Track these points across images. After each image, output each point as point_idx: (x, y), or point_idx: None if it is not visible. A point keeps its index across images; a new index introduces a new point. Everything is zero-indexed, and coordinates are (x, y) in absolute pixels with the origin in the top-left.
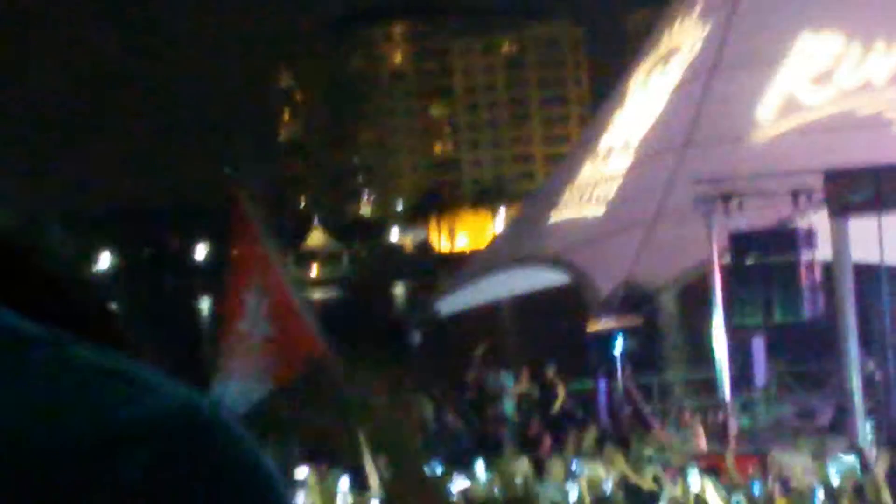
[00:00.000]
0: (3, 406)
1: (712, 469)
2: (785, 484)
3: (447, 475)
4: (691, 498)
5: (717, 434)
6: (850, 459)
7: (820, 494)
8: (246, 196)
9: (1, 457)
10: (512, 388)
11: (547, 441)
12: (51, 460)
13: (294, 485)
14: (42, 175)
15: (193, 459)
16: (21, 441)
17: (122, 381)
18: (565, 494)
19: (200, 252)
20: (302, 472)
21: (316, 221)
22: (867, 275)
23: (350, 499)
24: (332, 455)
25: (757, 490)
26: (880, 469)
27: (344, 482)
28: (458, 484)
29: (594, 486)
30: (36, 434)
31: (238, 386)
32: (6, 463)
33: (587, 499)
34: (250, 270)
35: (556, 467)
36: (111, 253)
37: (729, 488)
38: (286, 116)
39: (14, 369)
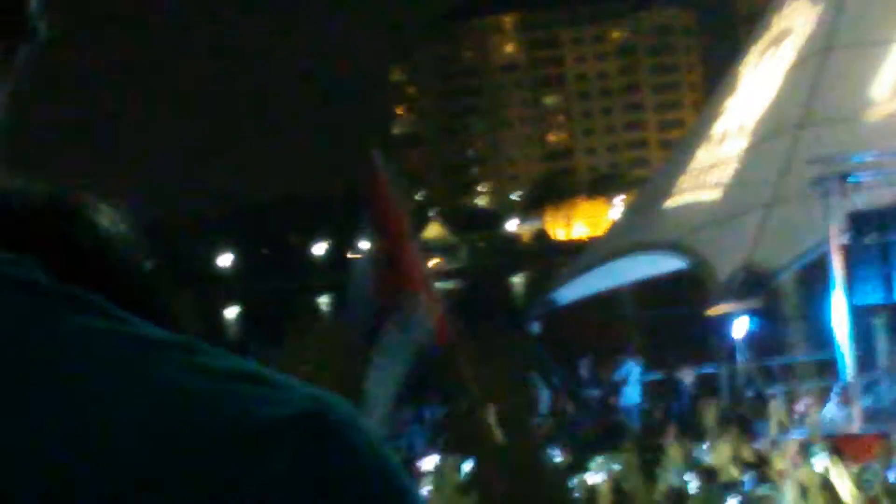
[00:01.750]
0: (146, 409)
1: (836, 450)
2: None
3: (569, 463)
4: (816, 479)
5: (841, 415)
6: None
7: None
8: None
9: (152, 457)
10: (636, 376)
11: (670, 427)
12: (209, 454)
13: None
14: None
15: (329, 457)
16: (168, 440)
17: (257, 382)
18: (684, 481)
19: (318, 248)
20: (430, 460)
21: (433, 214)
22: None
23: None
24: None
25: (879, 469)
26: None
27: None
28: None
29: (718, 470)
30: (182, 435)
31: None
32: (157, 462)
33: (706, 484)
34: (388, 231)
35: (676, 453)
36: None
37: (853, 469)
38: (400, 110)
39: (152, 373)
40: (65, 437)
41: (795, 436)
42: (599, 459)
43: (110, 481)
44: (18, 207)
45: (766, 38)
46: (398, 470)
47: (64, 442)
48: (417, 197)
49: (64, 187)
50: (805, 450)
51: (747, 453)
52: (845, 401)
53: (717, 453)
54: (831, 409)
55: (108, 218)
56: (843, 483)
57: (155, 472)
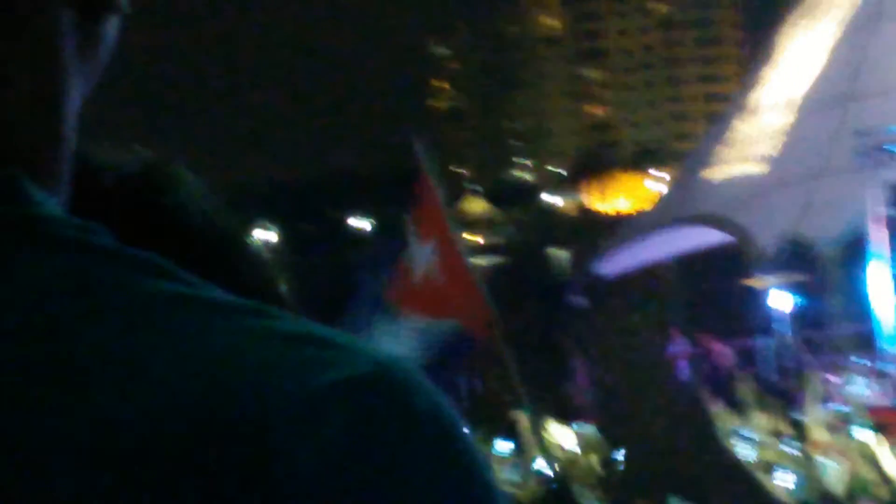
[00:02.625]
0: (215, 372)
1: (880, 423)
2: None
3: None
4: (857, 451)
5: (884, 388)
6: None
7: None
8: (426, 160)
9: (214, 416)
10: (683, 350)
11: (714, 398)
12: (261, 421)
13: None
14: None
15: (390, 418)
16: (232, 402)
17: (322, 346)
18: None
19: (360, 224)
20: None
21: (475, 188)
22: None
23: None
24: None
25: None
26: None
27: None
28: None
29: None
30: (246, 396)
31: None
32: (219, 420)
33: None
34: (430, 228)
35: (720, 422)
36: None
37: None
38: (441, 83)
39: (213, 339)
40: (119, 404)
41: (835, 408)
42: None
43: (160, 446)
44: (110, 179)
45: (810, 10)
46: (461, 436)
47: (117, 408)
48: (457, 170)
49: (157, 157)
50: (846, 422)
51: (787, 426)
52: (888, 374)
53: (757, 425)
54: (871, 382)
55: (195, 188)
56: (886, 455)
57: (202, 444)
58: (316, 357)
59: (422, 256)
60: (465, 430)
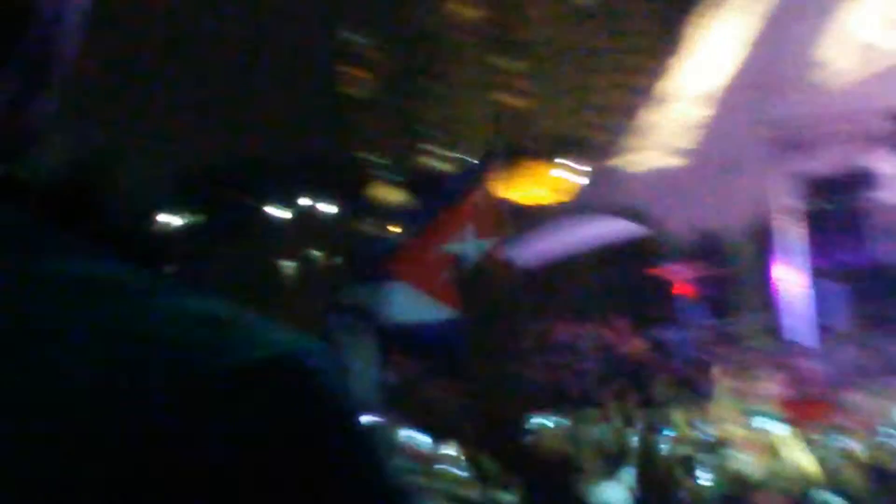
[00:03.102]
0: (127, 350)
1: (788, 414)
2: (865, 428)
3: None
4: (765, 442)
5: (795, 380)
6: None
7: None
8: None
9: (103, 406)
10: (588, 339)
11: (622, 391)
12: (166, 403)
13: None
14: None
15: (297, 405)
16: (143, 379)
17: (229, 327)
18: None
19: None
20: None
21: (387, 175)
22: None
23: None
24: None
25: (836, 435)
26: None
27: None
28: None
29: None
30: (157, 375)
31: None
32: (129, 396)
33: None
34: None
35: (620, 417)
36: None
37: (804, 434)
38: (356, 72)
39: (137, 317)
40: (15, 388)
41: (744, 399)
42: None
43: (63, 427)
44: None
45: (726, 2)
46: (366, 426)
47: (14, 390)
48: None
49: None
50: (754, 415)
51: (697, 416)
52: (798, 365)
53: (670, 418)
54: (781, 374)
55: (128, 171)
56: (796, 448)
57: (109, 422)
58: (226, 337)
59: (474, 251)
60: (369, 415)
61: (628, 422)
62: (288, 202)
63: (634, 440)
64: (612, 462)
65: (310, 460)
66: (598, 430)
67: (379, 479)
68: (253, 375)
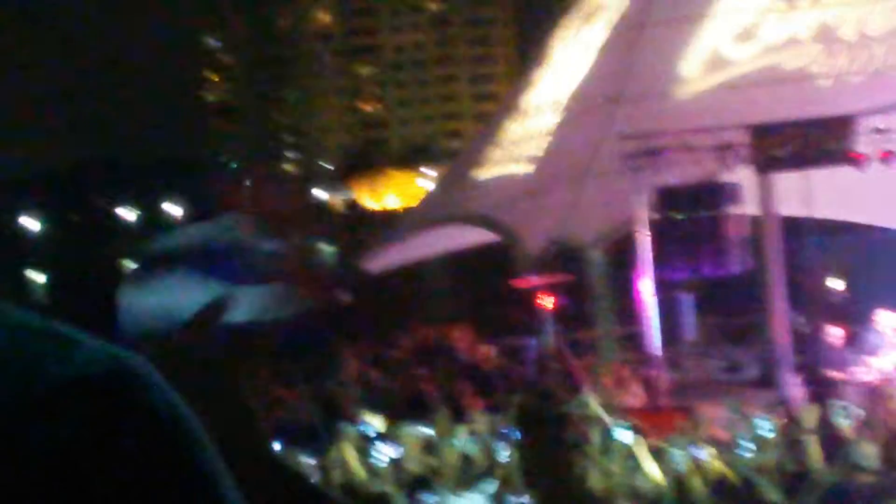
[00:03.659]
0: None
1: (641, 424)
2: (712, 438)
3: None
4: (619, 452)
5: (646, 389)
6: (778, 413)
7: (747, 448)
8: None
9: None
10: (443, 347)
11: (476, 400)
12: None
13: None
14: None
15: (122, 416)
16: None
17: (52, 339)
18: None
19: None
20: None
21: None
22: (793, 229)
23: None
24: None
25: (684, 444)
26: (807, 422)
27: None
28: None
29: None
30: None
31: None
32: None
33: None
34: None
35: (480, 424)
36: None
37: (656, 443)
38: (212, 76)
39: None
40: None
41: (599, 409)
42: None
43: None
44: None
45: (582, 12)
46: (195, 432)
47: None
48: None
49: None
50: (609, 425)
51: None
52: (650, 375)
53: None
54: (636, 383)
55: None
56: (646, 457)
57: None
58: (48, 350)
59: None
60: (198, 426)
61: (472, 431)
62: (139, 203)
63: (477, 450)
64: (469, 472)
65: (140, 472)
66: (452, 439)
67: (213, 486)
68: (85, 388)
